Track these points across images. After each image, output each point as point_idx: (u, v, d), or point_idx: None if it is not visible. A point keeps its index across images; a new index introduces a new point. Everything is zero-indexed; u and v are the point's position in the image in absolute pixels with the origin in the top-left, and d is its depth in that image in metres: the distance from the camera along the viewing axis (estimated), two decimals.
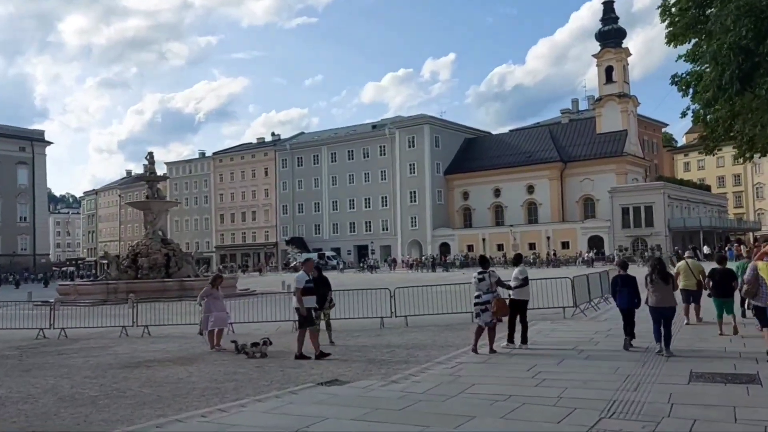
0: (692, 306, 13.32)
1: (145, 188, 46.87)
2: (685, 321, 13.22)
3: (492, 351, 10.42)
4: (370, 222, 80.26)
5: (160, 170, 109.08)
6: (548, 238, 66.89)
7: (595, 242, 64.27)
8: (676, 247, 54.58)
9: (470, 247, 71.42)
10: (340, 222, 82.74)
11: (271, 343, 11.96)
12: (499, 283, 10.81)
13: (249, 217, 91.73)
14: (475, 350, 10.40)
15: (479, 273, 10.62)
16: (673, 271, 13.10)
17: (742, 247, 50.10)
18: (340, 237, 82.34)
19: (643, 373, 8.22)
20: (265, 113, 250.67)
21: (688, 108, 25.42)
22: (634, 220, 63.53)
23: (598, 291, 18.48)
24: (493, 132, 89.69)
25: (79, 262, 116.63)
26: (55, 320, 17.01)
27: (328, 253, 76.42)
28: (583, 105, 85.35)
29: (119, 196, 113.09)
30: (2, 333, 16.64)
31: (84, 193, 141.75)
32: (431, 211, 75.49)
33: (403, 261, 68.65)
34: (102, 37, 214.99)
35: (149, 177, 44.52)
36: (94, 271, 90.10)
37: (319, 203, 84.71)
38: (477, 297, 10.55)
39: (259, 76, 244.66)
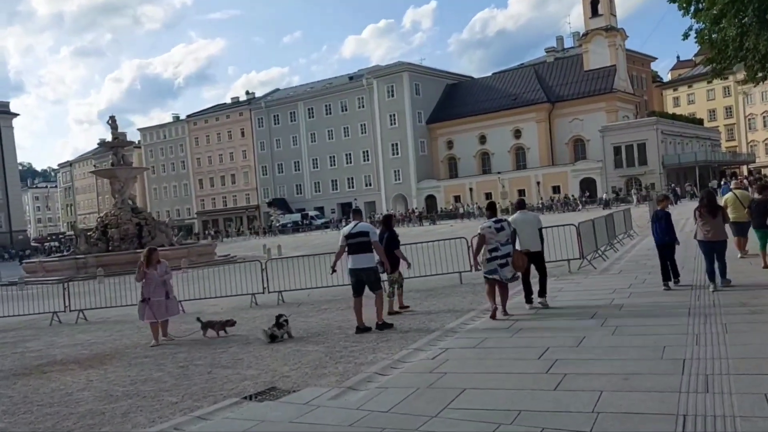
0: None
1: (111, 155, 43.84)
2: (739, 255, 12.06)
3: (505, 313, 8.90)
4: (352, 178, 77.40)
5: (134, 137, 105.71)
6: (538, 183, 64.51)
7: (587, 184, 61.98)
8: (672, 184, 52.51)
9: (457, 198, 69.03)
10: (322, 180, 79.81)
11: (233, 324, 10.01)
12: (515, 233, 9.20)
13: (228, 180, 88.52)
14: (494, 316, 8.77)
15: (496, 221, 9.03)
16: (720, 202, 11.33)
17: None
18: (323, 196, 79.54)
19: (709, 348, 5.80)
20: (245, 74, 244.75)
21: (690, 28, 22.79)
22: (627, 159, 61.11)
23: (605, 237, 16.12)
24: (476, 77, 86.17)
25: (61, 236, 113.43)
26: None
27: (312, 213, 73.93)
28: (568, 43, 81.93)
29: (94, 166, 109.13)
30: None
31: (59, 165, 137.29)
32: (415, 163, 72.66)
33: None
34: (73, 4, 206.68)
35: (113, 143, 41.37)
36: (69, 245, 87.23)
37: (299, 162, 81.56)
38: (494, 250, 8.91)
39: (237, 36, 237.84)
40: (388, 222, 11.01)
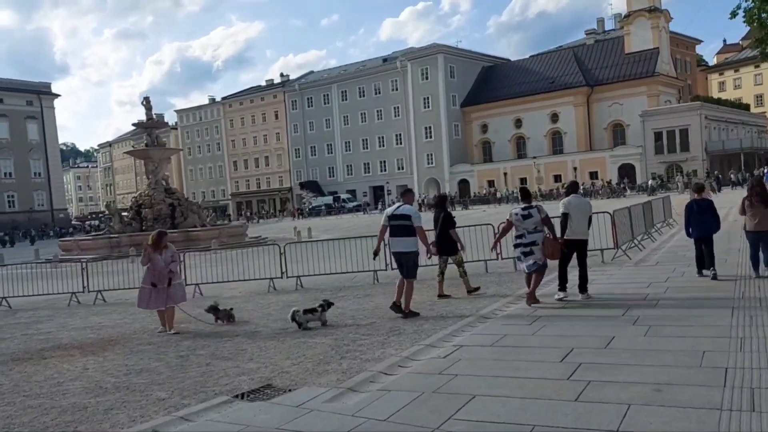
0: None
1: (145, 136, 44.08)
2: None
3: (535, 301, 8.59)
4: (384, 161, 76.78)
5: (172, 119, 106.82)
6: (575, 168, 62.90)
7: (626, 171, 60.21)
8: (716, 171, 50.52)
9: (491, 183, 67.91)
10: (354, 163, 79.39)
11: (231, 318, 9.52)
12: (547, 220, 8.65)
13: (262, 162, 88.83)
14: (531, 298, 8.59)
15: (524, 208, 8.67)
16: None
17: None
18: (355, 179, 79.18)
19: (755, 355, 5.12)
20: (282, 57, 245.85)
21: (738, 7, 21.43)
22: (668, 145, 59.05)
23: (642, 226, 15.26)
24: (513, 60, 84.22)
25: (100, 215, 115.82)
26: (23, 284, 14.38)
27: (344, 196, 73.67)
28: (609, 25, 79.45)
29: (132, 146, 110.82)
30: None
31: (98, 145, 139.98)
32: (448, 146, 71.61)
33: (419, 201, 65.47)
34: None
35: (147, 124, 41.52)
36: (107, 224, 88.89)
37: (331, 144, 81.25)
38: (519, 237, 8.63)
39: (276, 19, 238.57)
40: (442, 202, 10.65)
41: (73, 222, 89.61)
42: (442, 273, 10.20)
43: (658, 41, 64.44)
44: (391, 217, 8.77)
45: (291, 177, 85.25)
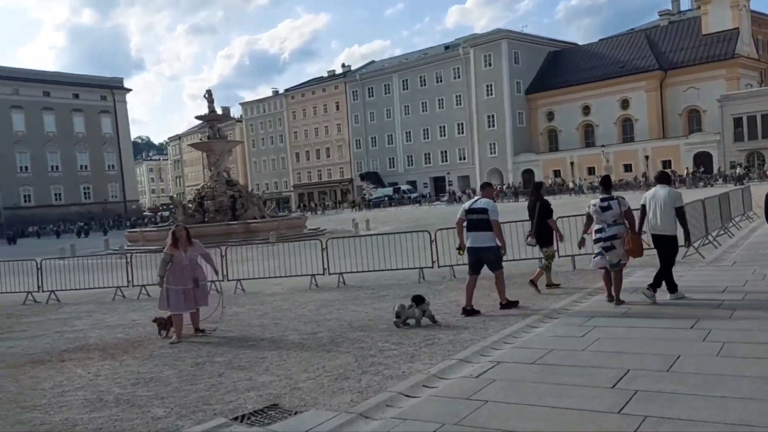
0: None
1: (207, 129, 44.73)
2: None
3: (613, 300, 8.02)
4: (446, 152, 75.54)
5: (236, 112, 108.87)
6: (646, 157, 59.92)
7: (702, 159, 56.80)
8: None
9: (556, 173, 65.63)
10: (415, 153, 78.51)
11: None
12: (628, 213, 8.00)
13: (323, 154, 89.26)
14: (616, 300, 7.98)
15: (602, 200, 8.05)
16: None
17: None
18: (416, 169, 78.33)
19: None
20: (348, 48, 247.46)
21: None
22: (749, 131, 55.23)
23: (718, 220, 13.88)
24: (581, 44, 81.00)
25: (170, 206, 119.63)
26: (81, 275, 14.37)
27: (404, 187, 73.00)
28: (685, 5, 75.20)
29: (200, 139, 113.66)
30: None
31: (168, 138, 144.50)
32: (512, 135, 69.64)
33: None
34: None
35: (209, 116, 42.17)
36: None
37: (392, 135, 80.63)
38: (599, 231, 8.04)
39: (341, 11, 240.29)
40: (538, 190, 10.14)
41: (145, 213, 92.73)
42: (550, 260, 9.87)
43: (737, 21, 60.32)
44: (469, 211, 8.41)
45: (352, 168, 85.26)
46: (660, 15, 74.27)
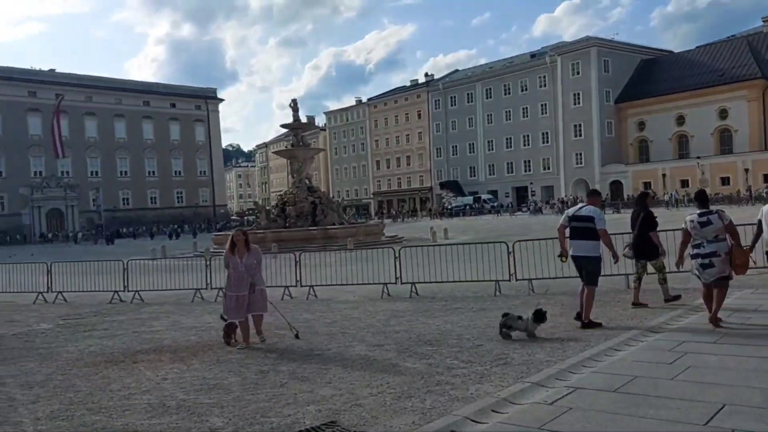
0: None
1: (291, 137, 45.83)
2: None
3: (715, 321, 7.28)
4: (529, 161, 73.84)
5: (320, 121, 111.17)
6: (746, 170, 56.22)
7: None
8: None
9: (647, 185, 62.59)
10: (497, 163, 77.21)
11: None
12: (731, 228, 7.42)
13: (404, 162, 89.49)
14: (714, 320, 7.29)
15: (701, 214, 7.49)
16: None
17: None
18: (497, 179, 77.01)
19: None
20: (432, 57, 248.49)
21: None
22: None
23: None
24: (676, 52, 77.20)
25: (255, 212, 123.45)
26: (165, 276, 14.83)
27: (485, 196, 71.95)
28: None
29: (285, 147, 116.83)
30: (88, 295, 14.88)
31: (256, 146, 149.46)
32: (599, 145, 67.19)
33: (563, 201, 62.01)
34: None
35: (293, 125, 43.20)
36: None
37: (473, 144, 79.74)
38: (696, 247, 7.48)
39: (427, 21, 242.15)
40: (643, 200, 9.80)
41: (232, 217, 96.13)
42: (639, 279, 9.30)
43: None
44: (572, 218, 8.13)
45: (432, 176, 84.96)
46: (764, 21, 69.63)
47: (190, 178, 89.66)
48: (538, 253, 11.81)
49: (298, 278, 13.37)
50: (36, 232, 71.29)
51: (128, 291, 14.65)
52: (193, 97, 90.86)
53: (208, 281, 14.28)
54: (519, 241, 12.09)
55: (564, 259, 8.24)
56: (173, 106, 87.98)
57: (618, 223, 11.37)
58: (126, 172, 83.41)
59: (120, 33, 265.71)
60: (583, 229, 7.99)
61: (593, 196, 8.74)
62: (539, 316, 7.46)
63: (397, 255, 12.83)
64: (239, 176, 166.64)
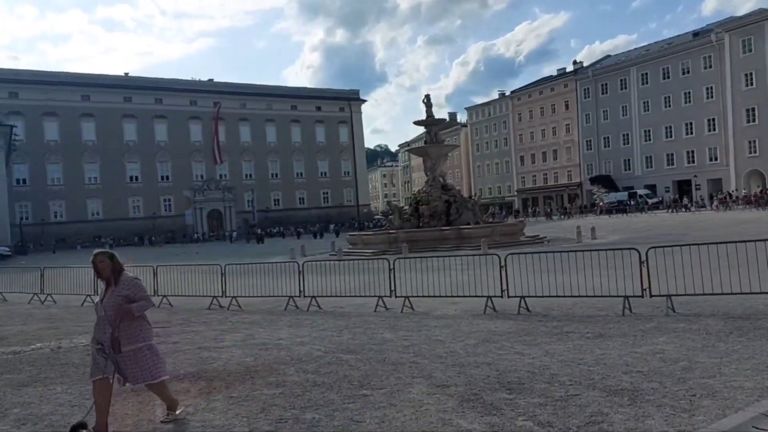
0: None
1: (425, 134, 44.76)
2: None
3: None
4: (692, 152, 66.36)
5: (462, 116, 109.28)
6: None
7: None
8: None
9: None
10: (655, 154, 70.33)
11: None
12: None
13: (550, 156, 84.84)
14: None
15: None
16: None
17: None
18: (655, 172, 70.13)
19: None
20: (588, 45, 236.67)
21: None
22: None
23: None
24: None
25: (389, 211, 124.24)
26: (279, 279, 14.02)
27: (641, 192, 65.85)
28: None
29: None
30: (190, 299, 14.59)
31: (399, 146, 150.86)
32: None
33: (736, 196, 54.73)
34: None
35: (427, 121, 42.07)
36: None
37: (628, 134, 73.35)
38: None
39: (583, 7, 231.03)
40: None
41: (376, 216, 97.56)
42: None
43: None
44: None
45: (581, 171, 79.64)
46: None
47: (335, 178, 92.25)
48: (679, 260, 9.38)
49: (393, 287, 11.93)
50: (198, 231, 76.89)
51: (225, 297, 14.04)
52: (336, 99, 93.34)
53: (301, 288, 13.30)
54: (654, 247, 9.68)
55: None
56: (318, 109, 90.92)
57: None
58: (276, 174, 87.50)
59: (279, 42, 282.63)
60: None
61: None
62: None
63: (502, 264, 10.87)
64: (384, 176, 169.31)
